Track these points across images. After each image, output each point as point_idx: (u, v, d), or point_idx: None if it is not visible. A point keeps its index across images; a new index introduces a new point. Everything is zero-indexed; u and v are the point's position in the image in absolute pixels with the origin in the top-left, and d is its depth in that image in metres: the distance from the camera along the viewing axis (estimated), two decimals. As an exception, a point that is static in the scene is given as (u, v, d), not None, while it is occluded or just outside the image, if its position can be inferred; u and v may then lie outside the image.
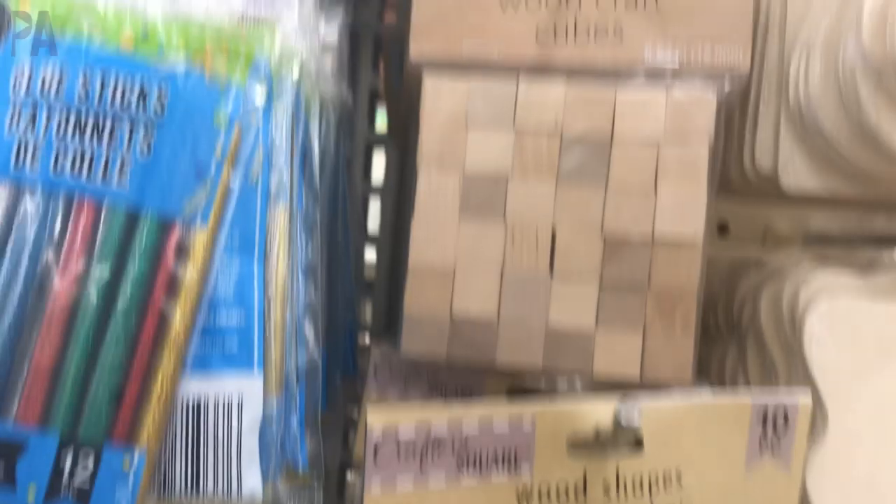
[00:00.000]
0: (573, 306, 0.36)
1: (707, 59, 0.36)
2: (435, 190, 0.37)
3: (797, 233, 0.59)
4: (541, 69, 0.37)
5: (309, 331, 0.34)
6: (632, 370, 0.36)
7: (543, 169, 0.37)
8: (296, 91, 0.32)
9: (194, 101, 0.27)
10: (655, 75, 0.36)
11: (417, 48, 0.37)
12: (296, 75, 0.31)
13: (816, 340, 0.35)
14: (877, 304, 0.36)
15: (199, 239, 0.27)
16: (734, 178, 0.42)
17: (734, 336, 0.43)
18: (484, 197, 0.37)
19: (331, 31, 0.39)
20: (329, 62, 0.41)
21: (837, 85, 0.34)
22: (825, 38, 0.35)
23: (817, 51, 0.35)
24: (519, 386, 0.44)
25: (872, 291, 0.37)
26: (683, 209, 0.36)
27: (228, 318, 0.28)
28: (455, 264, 0.37)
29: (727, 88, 0.36)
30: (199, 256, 0.27)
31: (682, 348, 0.36)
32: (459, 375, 0.44)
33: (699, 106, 0.36)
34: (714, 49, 0.36)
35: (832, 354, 0.35)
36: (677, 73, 0.36)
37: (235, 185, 0.28)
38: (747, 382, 0.41)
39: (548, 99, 0.36)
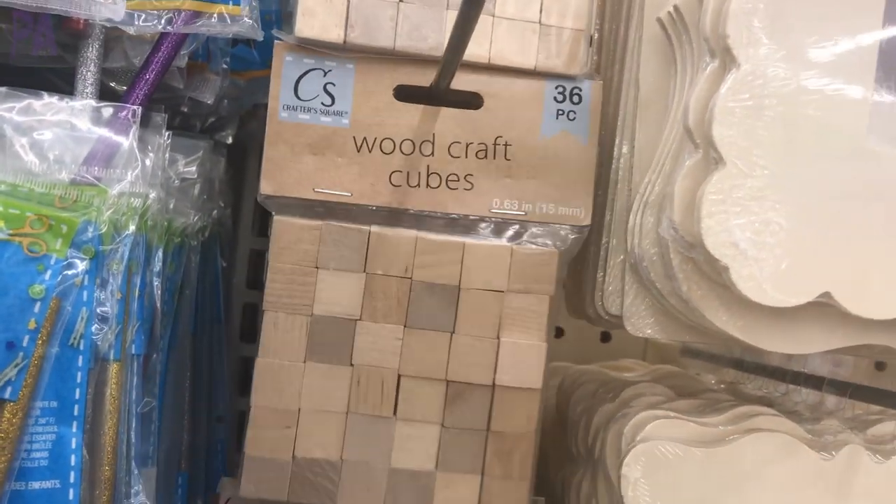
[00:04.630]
0: (415, 447, 0.37)
1: (551, 213, 0.38)
2: (281, 331, 0.37)
3: (675, 345, 0.61)
4: (394, 211, 0.38)
5: (142, 479, 0.34)
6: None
7: (392, 313, 0.37)
8: (135, 240, 0.32)
9: (8, 276, 0.27)
10: (502, 223, 0.38)
11: (268, 186, 0.37)
12: (131, 229, 0.32)
13: (632, 483, 0.36)
14: (698, 450, 0.37)
15: (7, 412, 0.27)
16: (590, 314, 0.43)
17: (590, 463, 0.44)
18: (332, 339, 0.37)
19: (191, 164, 0.40)
20: (196, 190, 0.42)
21: (660, 246, 0.36)
22: (657, 196, 0.37)
23: (651, 208, 0.37)
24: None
25: (700, 434, 0.38)
26: (525, 356, 0.37)
27: (42, 486, 0.28)
28: (300, 406, 0.37)
29: (569, 241, 0.38)
30: (5, 430, 0.27)
31: (518, 490, 0.37)
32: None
33: (542, 259, 0.38)
34: (557, 207, 0.38)
35: (647, 498, 0.36)
36: (523, 224, 0.38)
37: (52, 352, 0.28)
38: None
39: (400, 244, 0.37)
